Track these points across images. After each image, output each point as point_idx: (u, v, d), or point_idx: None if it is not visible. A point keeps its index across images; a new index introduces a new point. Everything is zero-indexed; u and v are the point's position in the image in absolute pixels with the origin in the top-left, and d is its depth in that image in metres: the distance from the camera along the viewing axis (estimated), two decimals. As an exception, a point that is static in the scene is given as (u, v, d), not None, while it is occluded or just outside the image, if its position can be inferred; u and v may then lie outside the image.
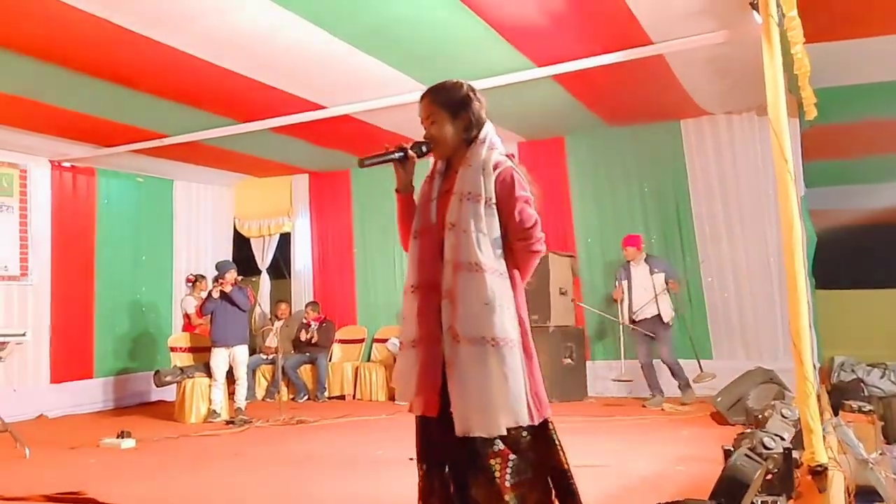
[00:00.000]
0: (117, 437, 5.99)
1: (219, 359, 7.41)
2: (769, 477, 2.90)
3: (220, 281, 7.37)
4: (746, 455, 2.55)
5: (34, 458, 5.50)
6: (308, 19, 4.86)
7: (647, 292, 7.34)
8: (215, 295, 7.35)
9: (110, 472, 4.92)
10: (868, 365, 7.90)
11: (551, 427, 2.44)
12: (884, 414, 7.41)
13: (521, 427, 2.28)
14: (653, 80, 6.46)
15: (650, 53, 5.53)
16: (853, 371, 7.81)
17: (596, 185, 8.38)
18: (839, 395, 6.94)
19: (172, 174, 9.49)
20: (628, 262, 7.59)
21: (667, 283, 7.25)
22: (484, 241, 2.33)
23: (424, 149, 2.50)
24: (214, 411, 7.37)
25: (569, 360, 7.75)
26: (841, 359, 8.03)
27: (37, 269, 8.13)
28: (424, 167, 2.59)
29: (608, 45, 5.53)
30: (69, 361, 8.30)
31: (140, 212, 9.29)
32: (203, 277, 8.96)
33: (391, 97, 6.36)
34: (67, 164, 8.47)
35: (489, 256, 2.32)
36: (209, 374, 7.46)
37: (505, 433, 2.23)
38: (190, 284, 9.12)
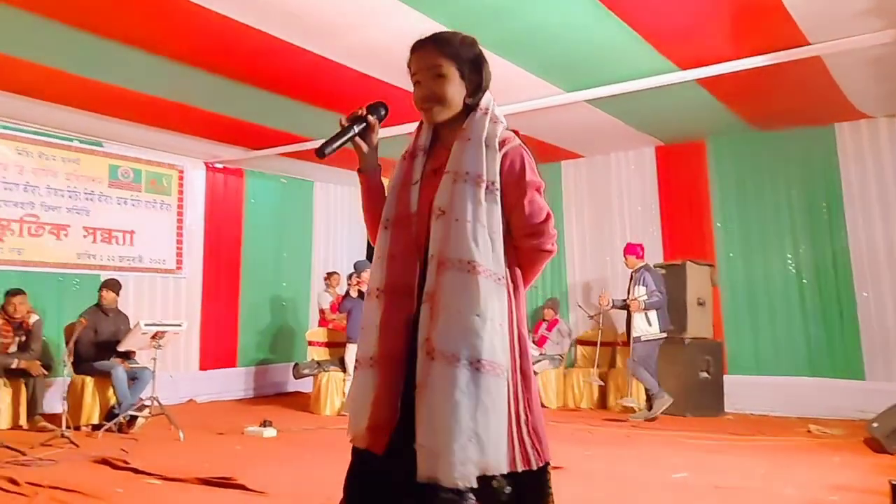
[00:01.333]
0: (260, 426, 6.31)
1: (353, 354, 7.64)
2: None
3: (357, 280, 7.62)
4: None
5: (187, 441, 5.89)
6: (448, 26, 4.91)
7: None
8: (353, 294, 7.61)
9: (255, 459, 5.18)
10: None
11: (549, 475, 1.91)
12: None
13: (500, 476, 1.78)
14: (807, 82, 6.10)
15: (807, 55, 5.23)
16: None
17: (739, 191, 7.98)
18: None
19: (313, 176, 9.91)
20: (631, 271, 7.42)
21: (632, 301, 7.25)
22: (482, 235, 1.84)
23: (383, 111, 2.09)
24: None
25: (705, 374, 7.45)
26: None
27: (190, 264, 8.71)
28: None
29: (759, 47, 5.29)
30: (216, 351, 8.86)
31: (282, 211, 9.76)
32: (336, 273, 9.30)
33: (528, 101, 6.35)
34: (220, 166, 9.03)
35: (486, 255, 1.83)
36: (344, 368, 7.73)
37: (475, 485, 1.72)
38: (325, 281, 9.48)
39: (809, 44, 5.15)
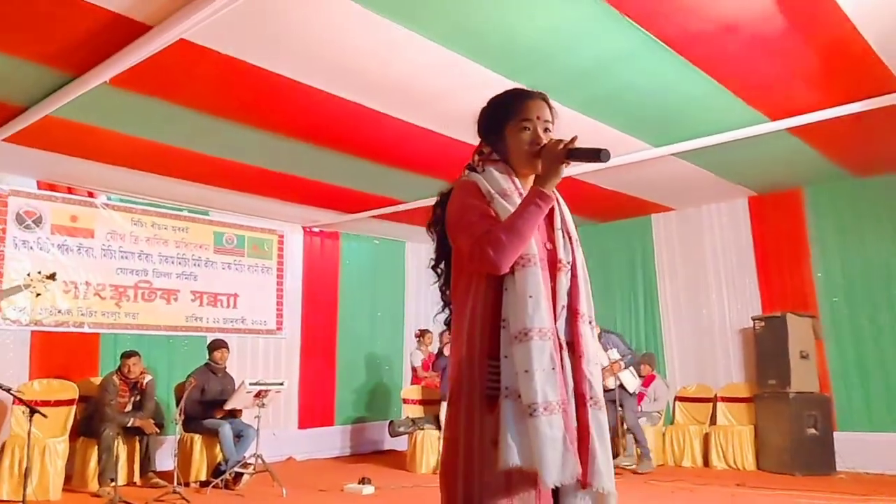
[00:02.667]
0: (359, 483, 6.42)
1: (447, 412, 7.71)
2: None
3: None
4: None
5: (290, 498, 6.07)
6: (541, 89, 5.07)
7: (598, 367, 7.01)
8: (447, 352, 7.73)
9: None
10: None
11: None
12: None
13: None
14: (906, 125, 5.93)
15: (903, 99, 5.11)
16: None
17: (841, 239, 7.69)
18: None
19: (404, 236, 10.18)
20: None
21: (613, 363, 7.53)
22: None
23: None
24: (443, 464, 7.65)
25: (813, 430, 7.12)
26: None
27: (289, 325, 9.05)
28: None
29: (852, 94, 5.19)
30: (314, 409, 9.10)
31: (376, 271, 10.05)
32: (428, 332, 9.44)
33: (616, 157, 6.40)
34: (317, 230, 9.43)
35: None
36: (438, 426, 7.80)
37: None
38: (417, 339, 9.64)
39: (906, 88, 5.03)
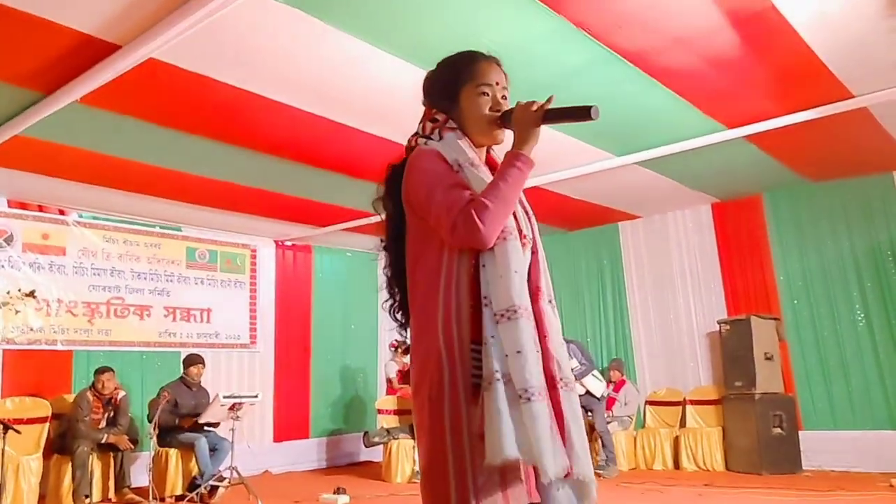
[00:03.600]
0: (334, 493, 6.48)
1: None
2: None
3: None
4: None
5: (265, 510, 6.11)
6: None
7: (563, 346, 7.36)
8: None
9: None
10: None
11: None
12: None
13: None
14: (857, 132, 6.15)
15: (851, 108, 5.33)
16: None
17: (801, 243, 7.93)
18: None
19: (377, 248, 10.24)
20: None
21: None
22: None
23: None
24: (418, 472, 7.71)
25: (778, 430, 7.31)
26: None
27: (263, 339, 9.09)
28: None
29: (803, 102, 5.41)
30: (289, 422, 9.13)
31: (349, 283, 10.10)
32: (405, 343, 9.52)
33: (577, 168, 6.59)
34: (289, 243, 9.50)
35: None
36: (414, 435, 7.86)
37: None
38: (393, 350, 9.70)
39: (853, 96, 5.25)
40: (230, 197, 7.38)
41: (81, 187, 6.79)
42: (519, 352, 1.59)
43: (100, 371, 6.82)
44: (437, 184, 1.73)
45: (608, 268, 9.43)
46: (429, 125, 1.92)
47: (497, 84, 1.88)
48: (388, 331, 10.27)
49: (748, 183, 7.76)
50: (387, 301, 1.96)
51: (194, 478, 6.76)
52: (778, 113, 5.57)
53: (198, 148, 5.84)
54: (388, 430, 8.19)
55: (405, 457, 7.92)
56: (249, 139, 5.80)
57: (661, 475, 7.58)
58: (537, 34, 4.27)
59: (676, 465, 7.98)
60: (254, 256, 9.15)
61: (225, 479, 6.56)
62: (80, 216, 7.65)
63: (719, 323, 7.98)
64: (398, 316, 1.94)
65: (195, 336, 8.40)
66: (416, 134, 1.94)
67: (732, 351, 7.66)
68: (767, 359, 7.49)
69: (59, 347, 7.30)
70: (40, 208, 7.37)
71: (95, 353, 7.47)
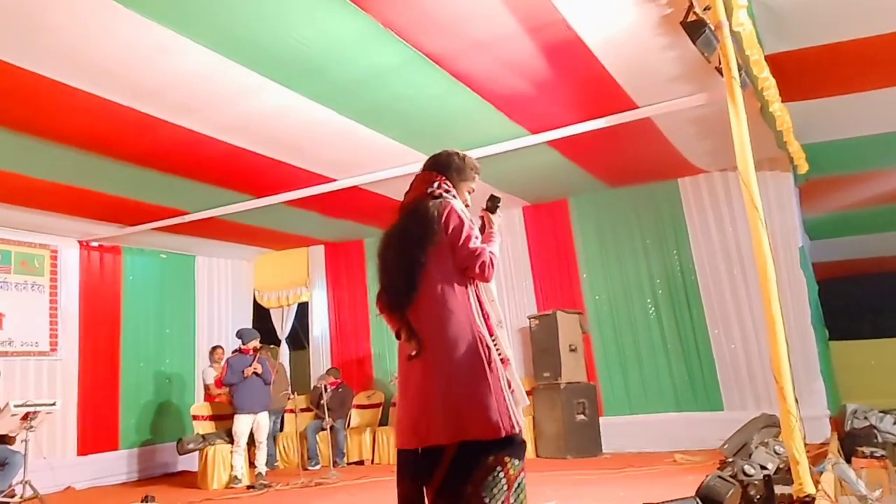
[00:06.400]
0: (141, 502, 6.18)
1: (242, 425, 7.63)
2: (754, 502, 3.06)
3: (242, 349, 7.72)
4: (719, 477, 2.74)
5: (63, 524, 5.72)
6: (315, 100, 5.28)
7: None
8: (248, 373, 7.64)
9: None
10: (881, 411, 7.95)
11: None
12: (898, 459, 7.43)
13: None
14: (645, 141, 6.79)
15: (636, 117, 5.87)
16: (866, 418, 7.86)
17: (601, 243, 8.63)
18: (852, 442, 7.00)
19: (194, 250, 9.91)
20: None
21: None
22: None
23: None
24: (236, 477, 7.55)
25: (582, 416, 7.87)
26: (853, 406, 8.08)
27: (65, 345, 8.47)
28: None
29: (596, 111, 5.89)
30: (95, 434, 8.55)
31: (164, 287, 9.67)
32: (220, 348, 9.25)
33: (396, 168, 6.74)
34: (95, 244, 8.92)
35: None
36: (232, 440, 7.67)
37: None
38: (210, 356, 9.39)
39: (637, 107, 5.80)
40: (26, 192, 6.84)
41: None
42: (508, 346, 2.71)
43: None
44: (469, 232, 2.68)
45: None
46: (442, 191, 2.84)
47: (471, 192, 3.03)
48: (206, 335, 9.95)
49: (555, 187, 8.31)
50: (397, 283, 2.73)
51: (-20, 496, 6.20)
52: (574, 120, 6.01)
53: (-14, 137, 5.40)
54: (203, 437, 7.93)
55: (222, 462, 7.71)
56: (47, 129, 5.44)
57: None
58: (347, 32, 4.37)
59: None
60: (54, 257, 8.50)
61: (16, 495, 6.06)
62: None
63: (529, 318, 8.46)
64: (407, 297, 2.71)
65: (-15, 343, 7.69)
66: (431, 192, 2.82)
67: (541, 344, 8.15)
68: (572, 350, 8.05)
69: None
70: None
71: None
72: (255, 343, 7.96)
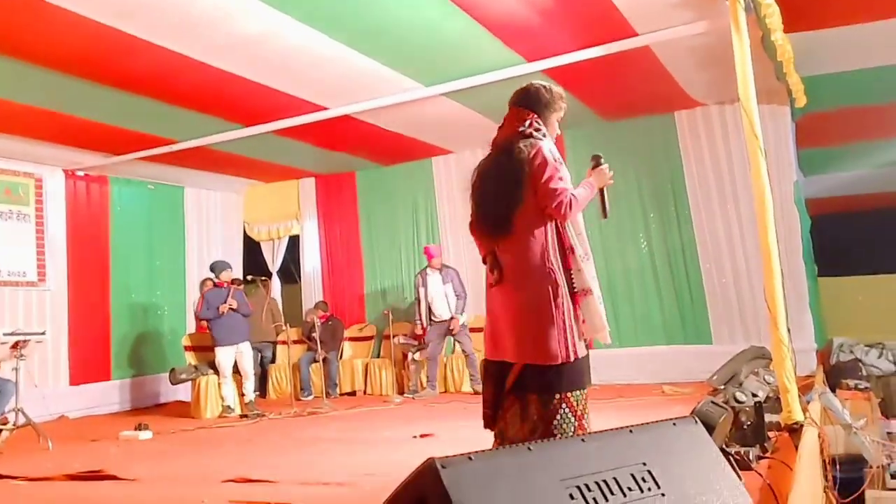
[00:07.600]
0: (135, 430, 6.23)
1: (223, 357, 7.64)
2: (744, 428, 3.08)
3: (216, 282, 7.72)
4: (712, 402, 2.75)
5: (57, 450, 5.76)
6: (305, 22, 5.10)
7: (441, 299, 8.37)
8: (223, 310, 7.60)
9: (129, 456, 5.16)
10: (866, 345, 8.06)
11: None
12: (882, 391, 7.58)
13: None
14: (644, 72, 6.63)
15: (635, 45, 5.71)
16: (851, 352, 7.98)
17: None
18: (838, 375, 7.11)
19: (183, 181, 9.77)
20: (426, 269, 8.52)
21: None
22: None
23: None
24: (228, 406, 7.61)
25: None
26: (840, 340, 8.19)
27: (54, 275, 8.41)
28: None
29: (595, 39, 5.72)
30: (87, 364, 8.58)
31: (152, 218, 9.57)
32: (210, 279, 9.20)
33: (390, 97, 6.59)
34: (81, 173, 8.76)
35: None
36: (217, 372, 7.70)
37: None
38: (201, 287, 9.36)
39: (637, 35, 5.64)
40: (8, 118, 6.65)
41: None
42: (594, 277, 2.85)
43: None
44: (553, 173, 2.82)
45: (422, 203, 9.61)
46: (533, 129, 2.97)
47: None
48: (196, 266, 9.91)
49: (551, 119, 8.15)
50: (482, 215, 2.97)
51: (-28, 422, 6.22)
52: (572, 48, 5.85)
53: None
54: (195, 367, 7.96)
55: (214, 393, 7.75)
56: (26, 50, 5.25)
57: (467, 396, 8.01)
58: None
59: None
60: (39, 186, 8.34)
61: (9, 422, 6.08)
62: None
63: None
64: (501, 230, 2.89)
65: (-29, 273, 7.61)
66: (522, 132, 2.96)
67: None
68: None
69: None
70: None
71: None
72: (228, 275, 7.92)
